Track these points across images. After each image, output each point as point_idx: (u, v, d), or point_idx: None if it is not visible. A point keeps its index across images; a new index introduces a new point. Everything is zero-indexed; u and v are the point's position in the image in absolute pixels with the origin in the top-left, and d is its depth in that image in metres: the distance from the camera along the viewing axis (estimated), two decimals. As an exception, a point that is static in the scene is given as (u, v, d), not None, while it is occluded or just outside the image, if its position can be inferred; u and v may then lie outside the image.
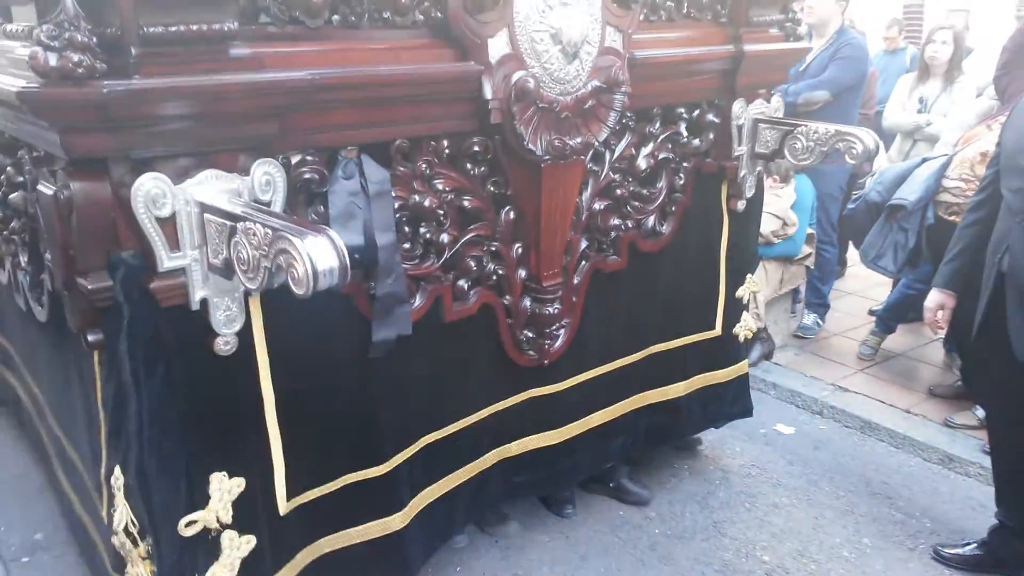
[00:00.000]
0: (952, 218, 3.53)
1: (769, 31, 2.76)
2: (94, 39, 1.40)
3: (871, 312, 4.90)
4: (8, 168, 2.13)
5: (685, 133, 2.70)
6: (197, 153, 1.60)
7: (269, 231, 1.32)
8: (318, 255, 1.23)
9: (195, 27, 1.50)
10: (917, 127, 4.57)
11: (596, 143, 2.33)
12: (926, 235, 3.70)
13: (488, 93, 2.03)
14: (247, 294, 1.68)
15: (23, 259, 2.16)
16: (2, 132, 2.10)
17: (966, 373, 3.47)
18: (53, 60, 1.37)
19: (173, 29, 1.47)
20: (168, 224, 1.55)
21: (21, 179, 2.04)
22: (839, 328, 4.86)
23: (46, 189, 1.60)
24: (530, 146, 2.14)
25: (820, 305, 4.78)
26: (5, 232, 2.26)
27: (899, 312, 4.38)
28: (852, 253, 5.20)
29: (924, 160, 3.87)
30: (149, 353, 1.62)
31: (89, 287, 1.56)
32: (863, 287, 5.51)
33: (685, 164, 2.74)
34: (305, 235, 1.25)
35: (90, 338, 1.67)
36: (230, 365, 1.71)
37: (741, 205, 2.90)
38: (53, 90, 1.40)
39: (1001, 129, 2.57)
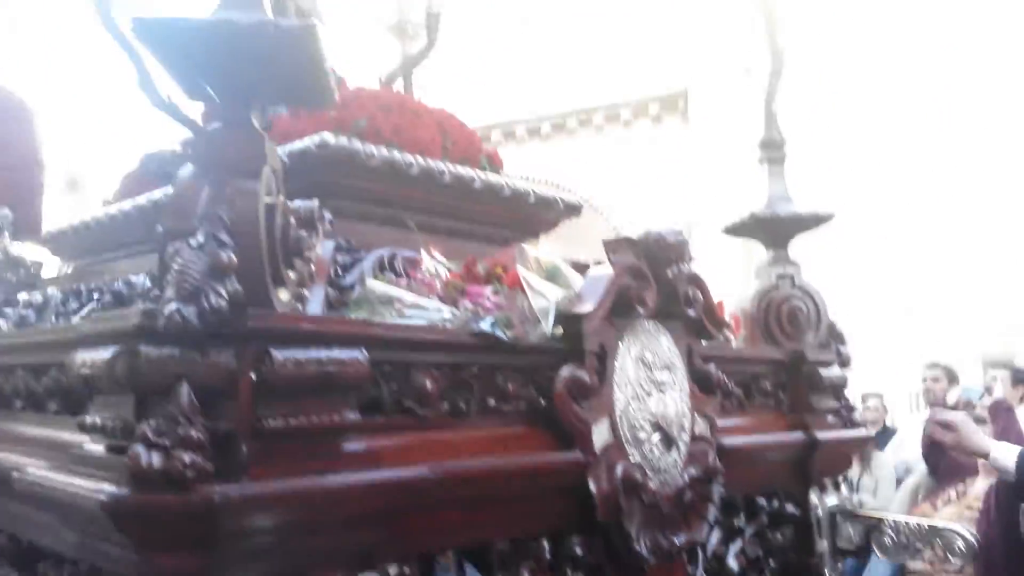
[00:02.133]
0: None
1: (828, 418, 2.71)
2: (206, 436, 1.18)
3: None
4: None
5: (768, 527, 2.47)
6: (293, 572, 1.28)
7: None
8: None
9: (315, 419, 1.30)
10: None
11: (699, 541, 2.06)
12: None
13: (592, 486, 1.81)
14: None
15: None
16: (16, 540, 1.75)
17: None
18: (158, 461, 1.12)
19: (294, 422, 1.27)
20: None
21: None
22: None
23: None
24: (636, 546, 1.86)
25: None
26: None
27: None
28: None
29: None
30: None
31: None
32: None
33: (772, 563, 2.46)
34: None
35: None
36: None
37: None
38: (151, 497, 1.12)
39: None
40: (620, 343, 1.92)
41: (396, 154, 2.36)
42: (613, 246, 1.93)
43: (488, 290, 1.76)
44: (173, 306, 1.20)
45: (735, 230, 2.97)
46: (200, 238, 1.26)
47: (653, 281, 1.95)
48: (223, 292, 1.24)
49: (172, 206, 1.36)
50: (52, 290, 3.09)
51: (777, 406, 2.62)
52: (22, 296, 2.98)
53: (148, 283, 2.62)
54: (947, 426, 2.87)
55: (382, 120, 2.49)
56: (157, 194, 2.82)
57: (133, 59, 3.15)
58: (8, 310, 2.96)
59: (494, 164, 2.86)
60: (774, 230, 2.86)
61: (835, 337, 2.88)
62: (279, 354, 1.27)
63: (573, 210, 2.93)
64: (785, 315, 2.75)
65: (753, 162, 2.96)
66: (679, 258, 1.99)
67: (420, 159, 2.43)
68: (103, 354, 1.27)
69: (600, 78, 13.15)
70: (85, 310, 2.76)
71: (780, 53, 2.99)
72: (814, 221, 2.79)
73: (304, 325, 1.36)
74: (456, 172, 2.51)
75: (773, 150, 2.92)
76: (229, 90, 1.41)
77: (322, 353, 1.33)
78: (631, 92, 13.02)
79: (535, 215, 2.84)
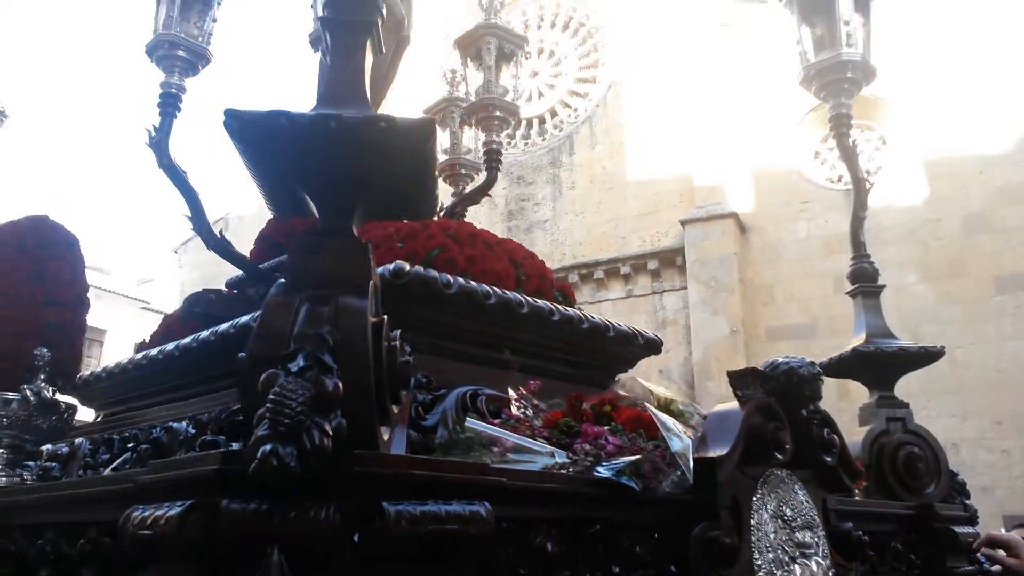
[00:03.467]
0: None
1: None
2: None
3: None
4: None
5: None
6: None
7: None
8: None
9: (433, 596, 1.00)
10: None
11: None
12: None
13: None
14: None
15: None
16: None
17: None
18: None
19: (409, 600, 0.98)
20: None
21: None
22: None
23: None
24: None
25: None
26: None
27: None
28: None
29: None
30: None
31: None
32: None
33: None
34: None
35: None
36: None
37: None
38: None
39: None
40: (755, 496, 1.62)
41: (473, 284, 2.17)
42: (740, 378, 1.67)
43: (606, 430, 1.49)
44: (268, 447, 0.94)
45: (832, 369, 2.70)
46: (300, 362, 1.03)
47: (787, 422, 1.68)
48: (328, 428, 0.99)
49: (262, 327, 1.13)
50: (80, 440, 2.83)
51: (909, 570, 2.24)
52: (46, 447, 2.72)
53: (192, 429, 2.37)
54: (1006, 547, 2.38)
55: (455, 250, 2.31)
56: (205, 334, 2.63)
57: (188, 199, 3.08)
58: (31, 463, 2.69)
59: (568, 298, 2.66)
60: (879, 368, 2.59)
61: (958, 489, 2.54)
62: (391, 508, 1.00)
63: (652, 347, 2.69)
64: (902, 463, 2.43)
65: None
66: (813, 395, 1.73)
67: (498, 290, 2.23)
68: (170, 511, 1.01)
69: (601, 235, 13.16)
70: (118, 461, 2.50)
71: (862, 183, 2.85)
72: (926, 357, 2.53)
73: (420, 471, 1.09)
74: (535, 304, 2.30)
75: (866, 282, 2.71)
76: (331, 194, 1.22)
77: (440, 507, 1.06)
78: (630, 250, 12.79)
79: (614, 351, 2.59)
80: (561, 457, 1.47)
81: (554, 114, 14.80)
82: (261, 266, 3.23)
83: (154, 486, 1.10)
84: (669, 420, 1.49)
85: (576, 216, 13.75)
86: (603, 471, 1.39)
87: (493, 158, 3.19)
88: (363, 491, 1.01)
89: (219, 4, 3.01)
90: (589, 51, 14.74)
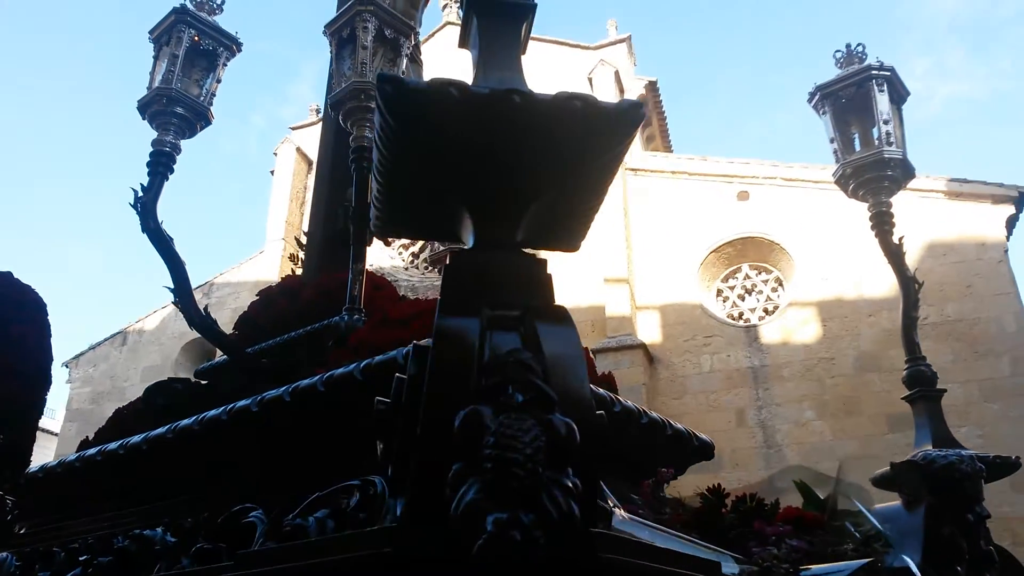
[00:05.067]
0: None
1: None
2: None
3: None
4: None
5: None
6: None
7: None
8: None
9: None
10: None
11: None
12: None
13: None
14: None
15: None
16: None
17: None
18: None
19: None
20: None
21: None
22: None
23: None
24: None
25: None
26: None
27: None
28: None
29: None
30: None
31: None
32: None
33: None
34: None
35: None
36: None
37: None
38: None
39: None
40: (936, 617, 1.32)
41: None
42: (901, 473, 1.40)
43: (787, 530, 1.18)
44: (500, 515, 0.61)
45: (885, 482, 2.44)
46: (514, 395, 0.71)
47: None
48: (572, 488, 0.66)
49: (438, 357, 0.81)
50: (3, 555, 2.31)
51: None
52: (-40, 563, 2.19)
53: (170, 537, 1.95)
54: None
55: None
56: (160, 431, 2.23)
57: (173, 269, 2.70)
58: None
59: (612, 388, 2.37)
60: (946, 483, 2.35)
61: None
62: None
63: (705, 451, 2.39)
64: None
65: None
66: (976, 496, 1.47)
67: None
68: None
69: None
70: (62, 581, 2.02)
71: (911, 282, 2.72)
72: (1009, 467, 2.31)
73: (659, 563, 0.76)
74: (627, 406, 2.01)
75: (925, 386, 2.52)
76: (501, 189, 0.94)
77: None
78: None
79: (668, 450, 2.29)
80: (727, 561, 1.15)
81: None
82: (249, 350, 2.84)
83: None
84: (879, 525, 1.20)
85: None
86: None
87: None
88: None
89: (225, 65, 2.77)
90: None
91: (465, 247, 0.97)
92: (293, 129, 14.78)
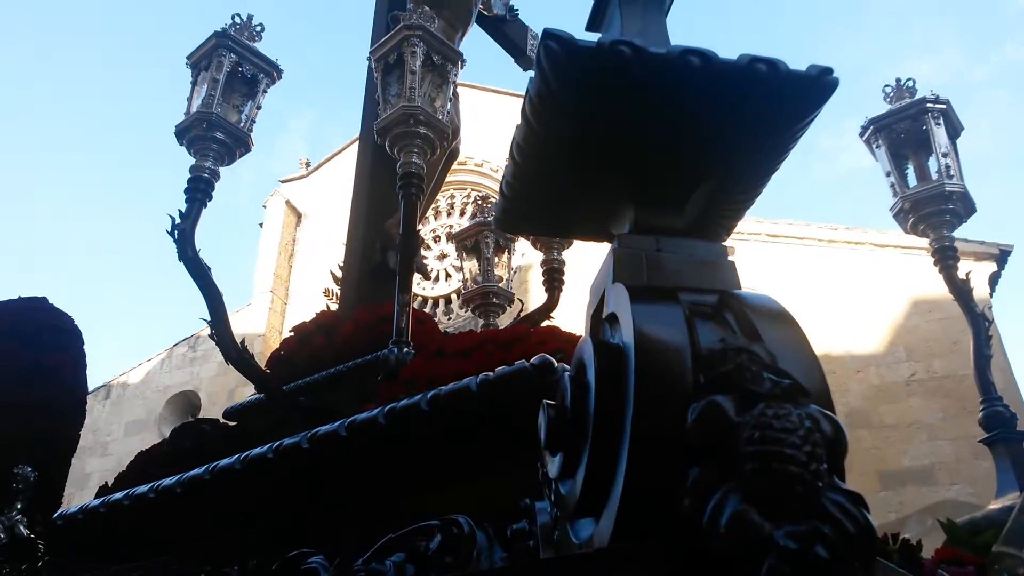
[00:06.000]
0: None
1: None
2: None
3: None
4: None
5: None
6: None
7: None
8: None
9: None
10: None
11: None
12: None
13: None
14: None
15: None
16: None
17: None
18: None
19: None
20: None
21: None
22: None
23: None
24: None
25: None
26: None
27: None
28: None
29: None
30: None
31: None
32: None
33: None
34: None
35: None
36: None
37: None
38: None
39: None
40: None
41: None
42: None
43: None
44: (796, 528, 0.48)
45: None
46: (763, 382, 0.58)
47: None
48: (856, 492, 0.53)
49: (650, 346, 0.67)
50: None
51: None
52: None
53: None
54: None
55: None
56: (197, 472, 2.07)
57: (209, 299, 2.56)
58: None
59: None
60: None
61: None
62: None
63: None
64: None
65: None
66: None
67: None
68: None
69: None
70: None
71: (980, 319, 2.60)
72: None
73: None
74: None
75: (1005, 428, 2.39)
76: (675, 169, 0.82)
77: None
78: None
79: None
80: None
81: (460, 295, 14.55)
82: (285, 387, 2.68)
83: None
84: None
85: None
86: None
87: (555, 277, 2.85)
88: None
89: (265, 92, 2.68)
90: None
91: (614, 235, 0.85)
92: (283, 182, 14.71)
